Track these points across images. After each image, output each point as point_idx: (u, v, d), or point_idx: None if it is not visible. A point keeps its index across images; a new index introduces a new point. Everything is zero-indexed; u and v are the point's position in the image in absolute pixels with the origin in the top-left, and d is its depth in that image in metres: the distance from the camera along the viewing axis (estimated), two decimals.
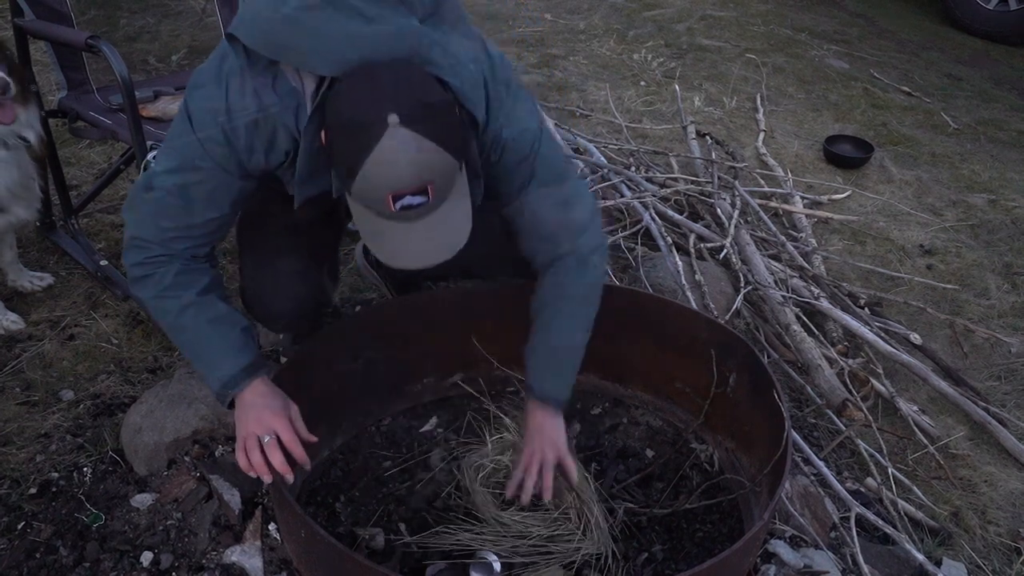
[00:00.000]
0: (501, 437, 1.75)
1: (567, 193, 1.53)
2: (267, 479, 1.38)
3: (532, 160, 1.46)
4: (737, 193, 2.78)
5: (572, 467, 1.60)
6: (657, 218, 2.64)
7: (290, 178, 1.41)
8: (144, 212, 1.40)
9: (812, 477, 1.86)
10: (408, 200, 1.20)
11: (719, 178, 2.89)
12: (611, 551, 1.58)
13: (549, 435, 1.60)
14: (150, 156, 1.90)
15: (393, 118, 1.15)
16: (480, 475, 1.71)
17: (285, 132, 1.33)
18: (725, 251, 2.47)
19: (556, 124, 3.21)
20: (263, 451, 1.38)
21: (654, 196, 2.73)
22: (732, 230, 2.56)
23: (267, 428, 1.40)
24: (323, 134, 1.27)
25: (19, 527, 1.64)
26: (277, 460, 1.38)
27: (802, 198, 3.13)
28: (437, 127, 1.19)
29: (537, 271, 1.61)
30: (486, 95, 1.37)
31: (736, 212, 2.64)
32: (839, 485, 1.86)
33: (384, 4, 1.26)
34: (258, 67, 1.29)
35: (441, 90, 1.25)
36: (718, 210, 2.72)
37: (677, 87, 3.81)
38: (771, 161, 3.39)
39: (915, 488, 1.95)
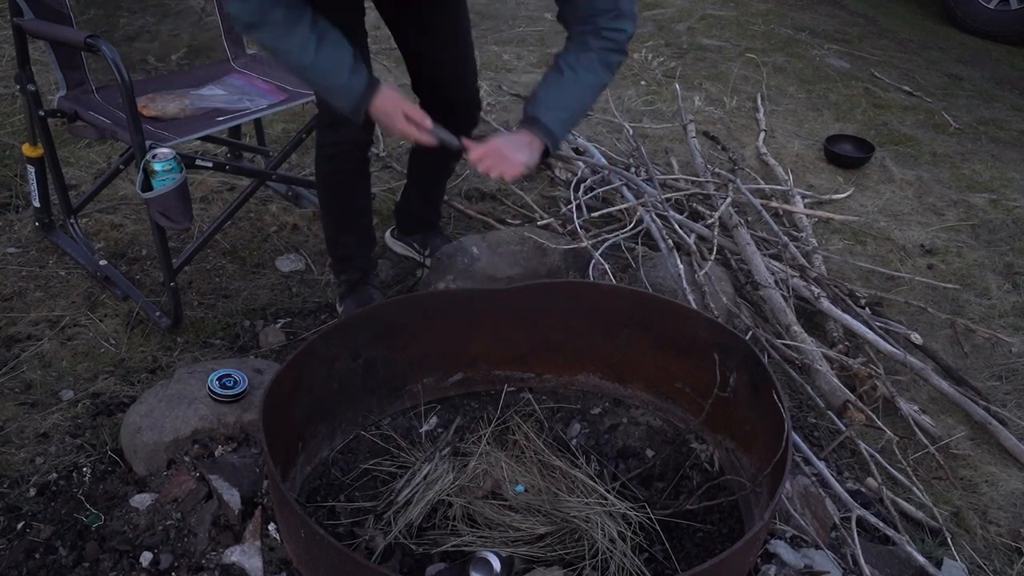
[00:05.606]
0: (502, 437, 1.75)
1: None
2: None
3: None
4: (730, 194, 2.77)
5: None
6: (657, 219, 2.64)
7: None
8: None
9: (812, 477, 1.86)
10: None
11: (719, 176, 2.88)
12: (611, 551, 1.57)
13: (521, 149, 1.68)
14: (149, 156, 1.90)
15: None
16: (480, 475, 1.70)
17: None
18: (714, 248, 2.47)
19: None
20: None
21: (654, 198, 2.73)
22: (717, 228, 2.55)
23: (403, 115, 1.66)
24: None
25: (19, 527, 1.64)
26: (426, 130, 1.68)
27: (802, 197, 3.12)
28: None
29: (568, 29, 1.76)
30: None
31: (725, 205, 2.63)
32: (839, 486, 1.86)
33: None
34: None
35: None
36: (718, 211, 2.71)
37: (677, 86, 3.81)
38: (771, 161, 3.39)
39: (915, 488, 1.95)
